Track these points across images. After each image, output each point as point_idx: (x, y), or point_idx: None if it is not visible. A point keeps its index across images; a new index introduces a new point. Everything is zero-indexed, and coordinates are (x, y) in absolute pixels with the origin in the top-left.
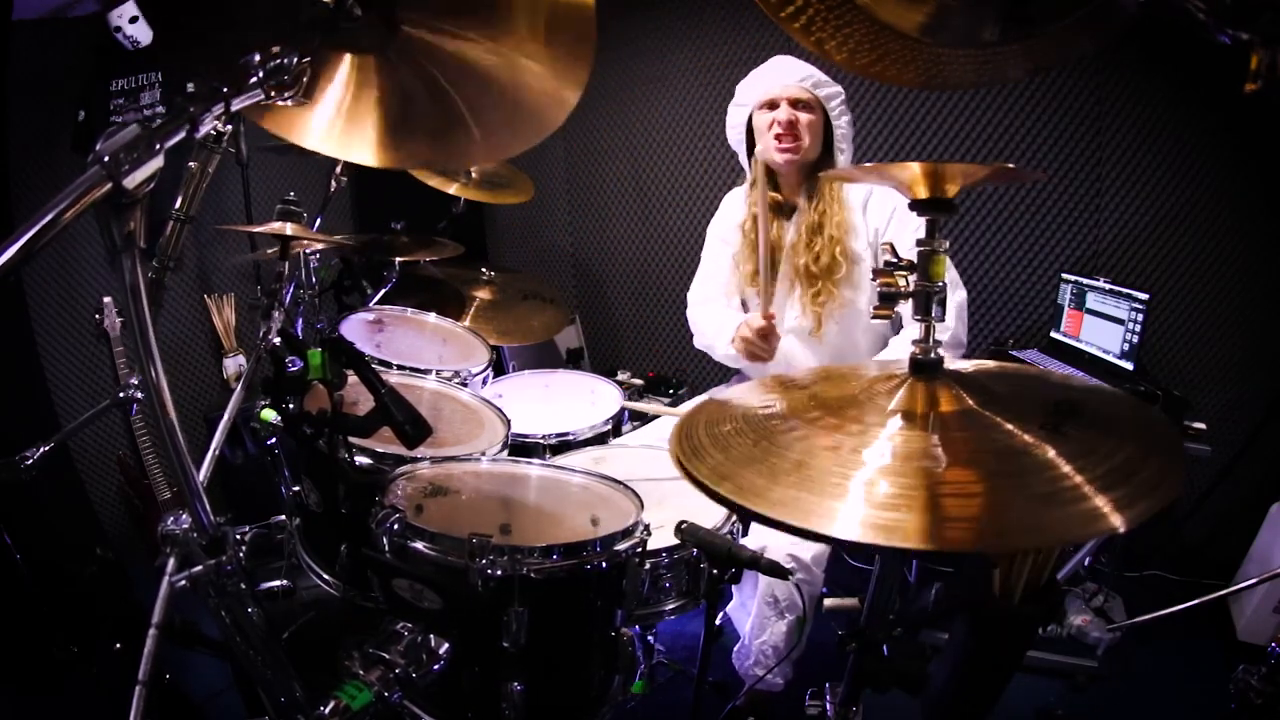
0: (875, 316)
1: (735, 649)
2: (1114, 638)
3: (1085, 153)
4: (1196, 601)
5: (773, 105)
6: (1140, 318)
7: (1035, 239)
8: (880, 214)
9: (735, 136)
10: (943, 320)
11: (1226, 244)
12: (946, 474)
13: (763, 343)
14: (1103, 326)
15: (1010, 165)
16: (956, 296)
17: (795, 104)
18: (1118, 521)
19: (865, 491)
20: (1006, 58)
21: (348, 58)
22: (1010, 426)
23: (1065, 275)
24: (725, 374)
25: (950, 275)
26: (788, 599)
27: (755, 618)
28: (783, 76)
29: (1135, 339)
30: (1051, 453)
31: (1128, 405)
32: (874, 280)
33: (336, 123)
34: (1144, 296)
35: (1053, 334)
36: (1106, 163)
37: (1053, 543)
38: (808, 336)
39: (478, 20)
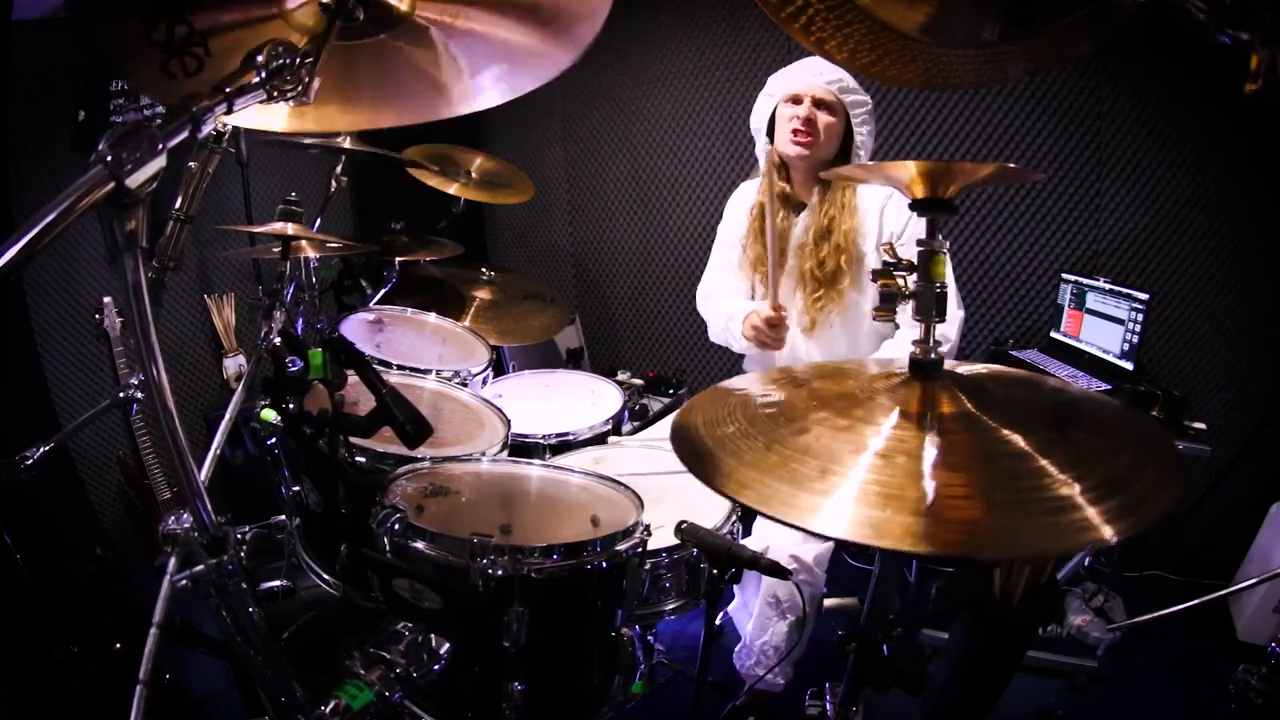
0: (876, 318)
1: (736, 649)
2: (1114, 638)
3: (1085, 153)
4: (1196, 601)
5: (797, 100)
6: (1140, 318)
7: (1035, 239)
8: (898, 219)
9: (757, 124)
10: (943, 320)
11: (1226, 244)
12: (942, 478)
13: (772, 332)
14: (1103, 326)
15: (1011, 165)
16: (956, 314)
17: (819, 104)
18: (1108, 533)
19: (860, 491)
20: (1006, 58)
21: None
22: (1007, 432)
23: (1065, 275)
24: (725, 374)
25: (953, 291)
26: (789, 599)
27: (757, 618)
28: (812, 75)
29: (1135, 339)
30: (1046, 460)
31: (1125, 413)
32: (874, 281)
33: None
34: (1144, 296)
35: (1053, 334)
36: (1106, 163)
37: (1045, 554)
38: (809, 334)
39: None
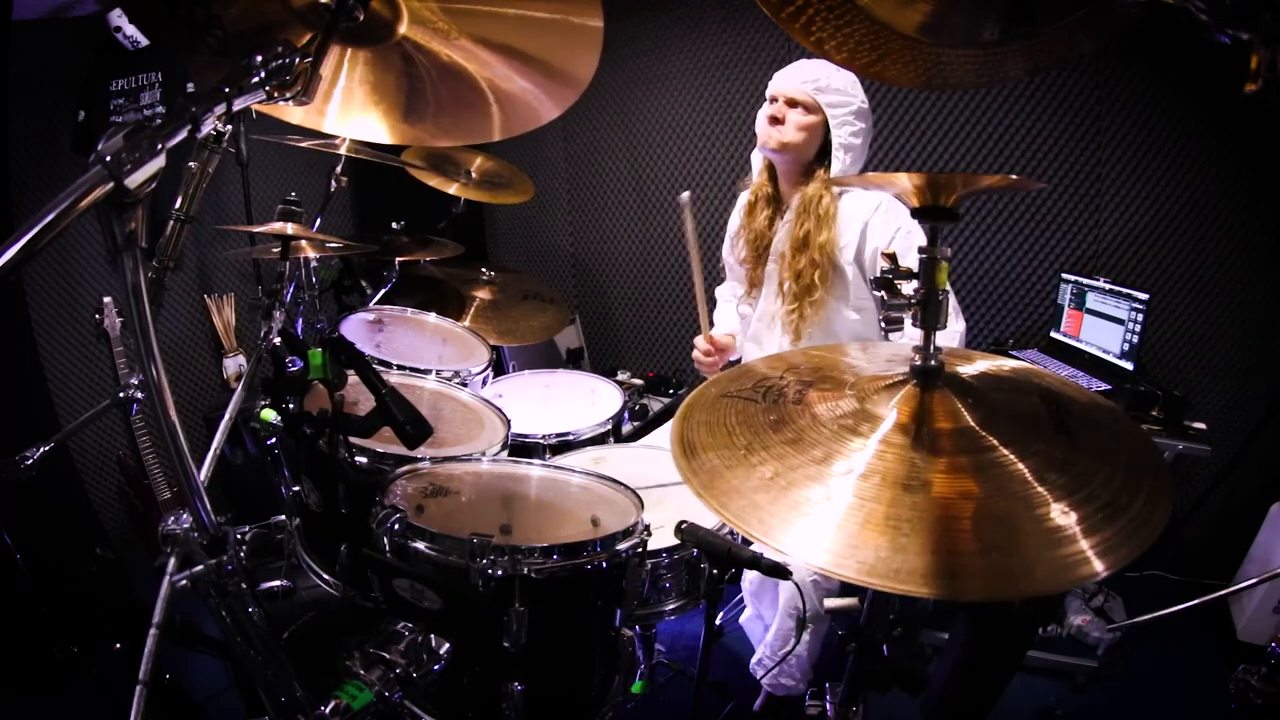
0: (888, 330)
1: (753, 661)
2: (1114, 638)
3: (1085, 153)
4: (1196, 601)
5: (774, 100)
6: (1140, 318)
7: (1035, 239)
8: (883, 233)
9: (757, 129)
10: (944, 329)
11: (1226, 244)
12: (938, 509)
13: (706, 360)
14: (1103, 326)
15: (1014, 176)
16: (957, 326)
17: (793, 103)
18: (1100, 567)
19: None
20: (1006, 58)
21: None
22: (1006, 451)
23: (1065, 275)
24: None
25: (953, 302)
26: (811, 611)
27: (778, 630)
28: (790, 77)
29: (1135, 339)
30: (1044, 487)
31: (1120, 419)
32: (875, 291)
33: (349, 104)
34: (1144, 296)
35: (1053, 334)
36: (1106, 163)
37: (1038, 591)
38: (795, 344)
39: None
